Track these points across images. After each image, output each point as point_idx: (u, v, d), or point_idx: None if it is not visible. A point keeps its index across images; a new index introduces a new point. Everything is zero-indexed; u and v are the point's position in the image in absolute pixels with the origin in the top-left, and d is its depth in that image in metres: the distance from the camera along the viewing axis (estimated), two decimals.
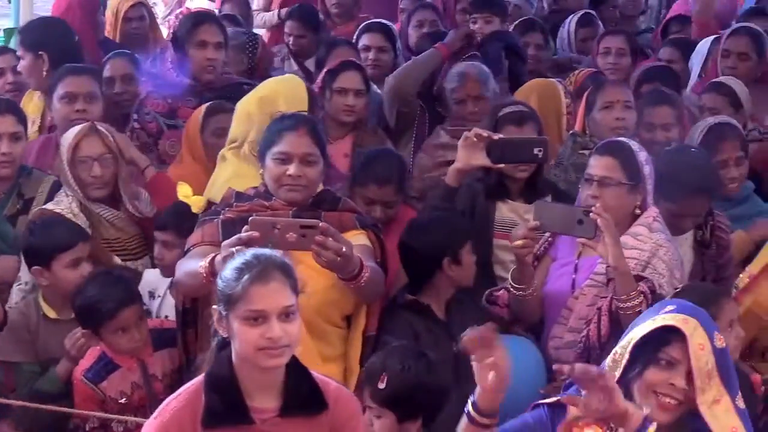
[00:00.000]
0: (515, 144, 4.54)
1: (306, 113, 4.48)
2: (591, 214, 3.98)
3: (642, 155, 4.28)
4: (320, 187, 4.17)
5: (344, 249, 3.75)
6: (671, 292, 4.08)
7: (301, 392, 3.18)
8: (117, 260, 4.76)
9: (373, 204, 4.66)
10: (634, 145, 4.33)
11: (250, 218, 3.76)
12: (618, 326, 4.01)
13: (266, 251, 3.19)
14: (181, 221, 4.53)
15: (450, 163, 4.73)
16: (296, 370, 3.18)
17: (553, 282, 4.30)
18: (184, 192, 4.67)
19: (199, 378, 3.19)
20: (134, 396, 4.27)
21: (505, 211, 4.71)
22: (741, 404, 3.05)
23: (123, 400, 4.25)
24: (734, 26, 6.49)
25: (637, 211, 4.25)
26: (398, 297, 4.36)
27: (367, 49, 6.42)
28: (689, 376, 3.06)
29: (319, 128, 4.21)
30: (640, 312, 3.92)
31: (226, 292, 3.09)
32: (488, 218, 4.71)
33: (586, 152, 4.99)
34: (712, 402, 3.01)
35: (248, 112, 4.67)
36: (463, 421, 3.14)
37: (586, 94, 5.30)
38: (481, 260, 4.45)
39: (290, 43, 7.11)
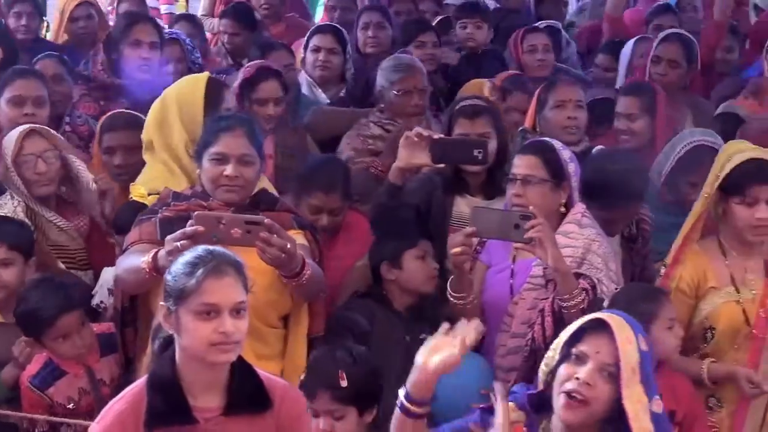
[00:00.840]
0: (455, 144, 4.57)
1: (240, 114, 4.49)
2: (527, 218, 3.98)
3: (565, 153, 4.29)
4: (258, 188, 4.17)
5: (289, 246, 3.76)
6: (610, 286, 4.11)
7: (246, 391, 3.17)
8: (61, 266, 4.70)
9: (320, 212, 4.65)
10: (557, 143, 4.35)
11: (195, 213, 3.76)
12: (562, 326, 4.02)
13: (219, 248, 3.19)
14: None
15: (377, 153, 4.77)
16: (241, 369, 3.17)
17: (491, 289, 4.29)
18: (138, 192, 4.62)
19: (142, 379, 3.17)
20: (82, 402, 4.22)
21: (463, 206, 4.70)
22: (657, 408, 3.01)
23: (71, 406, 4.20)
24: (666, 32, 6.53)
25: (563, 209, 4.26)
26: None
27: (317, 50, 6.36)
28: (599, 374, 3.03)
29: (256, 128, 4.20)
30: (583, 309, 3.99)
31: (177, 286, 3.09)
32: (445, 213, 4.70)
33: None
34: (636, 400, 2.99)
35: (153, 116, 4.61)
36: (396, 415, 3.14)
37: (537, 92, 5.30)
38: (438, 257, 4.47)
39: (225, 41, 7.06)
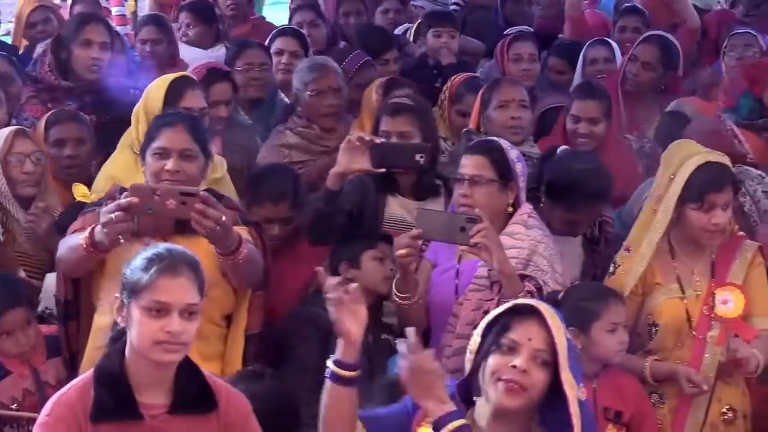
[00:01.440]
0: (396, 149, 4.53)
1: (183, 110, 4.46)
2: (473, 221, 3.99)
3: (513, 153, 4.30)
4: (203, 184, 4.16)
5: (224, 218, 3.78)
6: (555, 287, 4.12)
7: (191, 390, 3.17)
8: (22, 273, 4.70)
9: (271, 222, 4.64)
10: (505, 143, 4.36)
11: (131, 184, 3.78)
12: None
13: (179, 247, 3.20)
14: None
15: (295, 164, 4.81)
16: (188, 369, 3.17)
17: (436, 289, 4.29)
18: (81, 192, 4.65)
19: (89, 372, 3.17)
20: (26, 402, 4.19)
21: (395, 207, 4.70)
22: (582, 396, 3.02)
23: (14, 407, 4.17)
24: (648, 33, 6.57)
25: (510, 209, 4.27)
26: None
27: (280, 53, 6.31)
28: (533, 361, 3.03)
29: (199, 125, 4.21)
30: None
31: (132, 279, 3.10)
32: (377, 214, 4.68)
33: None
34: (570, 386, 2.99)
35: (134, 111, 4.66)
36: (327, 386, 3.10)
37: (481, 92, 5.27)
38: None
39: (182, 33, 6.99)
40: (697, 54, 7.42)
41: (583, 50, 6.58)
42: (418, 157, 4.47)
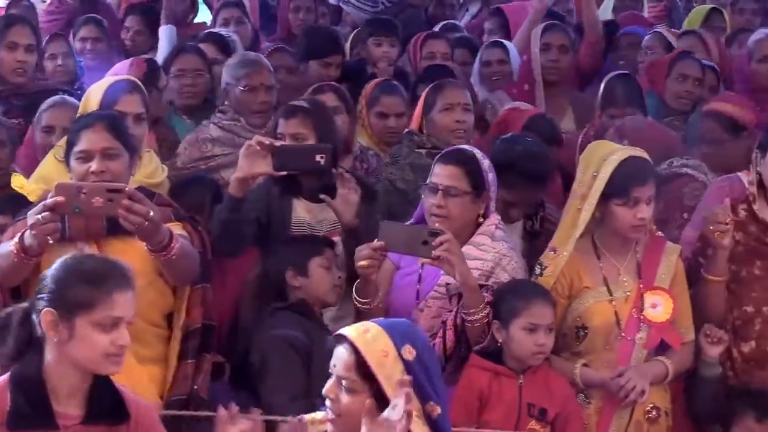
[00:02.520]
0: (297, 151, 4.47)
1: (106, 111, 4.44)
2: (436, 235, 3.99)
3: (485, 163, 4.30)
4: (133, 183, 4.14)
5: (152, 213, 3.77)
6: None
7: (105, 401, 3.15)
8: None
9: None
10: (478, 153, 4.34)
11: (56, 183, 3.75)
12: (464, 340, 4.11)
13: (112, 258, 3.21)
14: (18, 207, 4.34)
15: (216, 157, 4.80)
16: (102, 379, 3.16)
17: (398, 292, 4.30)
18: (18, 183, 4.61)
19: (4, 378, 3.14)
20: None
21: (300, 210, 4.65)
22: (433, 413, 2.97)
23: None
24: (547, 22, 6.60)
25: (480, 219, 4.28)
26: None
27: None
28: (338, 387, 2.99)
29: (120, 123, 4.19)
30: (487, 323, 4.05)
31: (74, 294, 3.05)
32: (284, 219, 4.63)
33: (423, 151, 5.05)
34: (416, 416, 2.91)
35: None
36: None
37: (424, 94, 5.25)
38: None
39: (127, 38, 7.00)
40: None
41: (480, 52, 6.61)
42: (318, 158, 4.39)
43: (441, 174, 4.24)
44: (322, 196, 4.47)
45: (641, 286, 4.26)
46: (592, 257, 4.30)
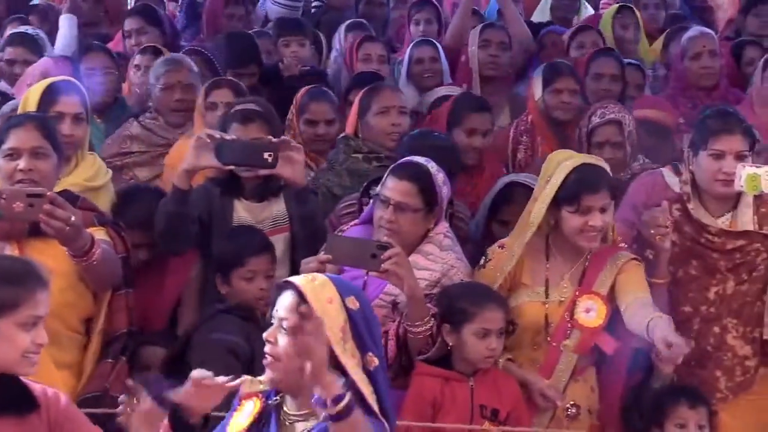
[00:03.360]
0: (245, 146, 4.42)
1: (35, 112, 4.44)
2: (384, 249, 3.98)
3: (440, 177, 4.27)
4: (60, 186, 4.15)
5: (73, 218, 3.77)
6: None
7: (9, 393, 3.13)
8: None
9: (139, 247, 4.58)
10: (432, 167, 4.29)
11: None
12: (405, 350, 4.12)
13: (26, 257, 3.21)
14: None
15: (133, 154, 4.83)
16: (3, 374, 3.14)
17: None
18: None
19: None
20: None
21: (241, 210, 4.62)
22: (369, 364, 3.06)
23: None
24: (485, 23, 6.68)
25: (431, 234, 4.28)
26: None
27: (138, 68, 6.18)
28: (278, 330, 3.07)
29: (50, 124, 4.19)
30: (431, 335, 4.07)
31: (1, 296, 3.03)
32: (226, 219, 4.61)
33: (360, 156, 5.05)
34: (350, 355, 3.03)
35: None
36: None
37: (359, 98, 5.25)
38: None
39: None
40: None
41: (409, 49, 6.62)
42: (266, 155, 4.35)
43: (394, 189, 4.21)
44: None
45: (577, 292, 4.27)
46: (540, 257, 4.32)
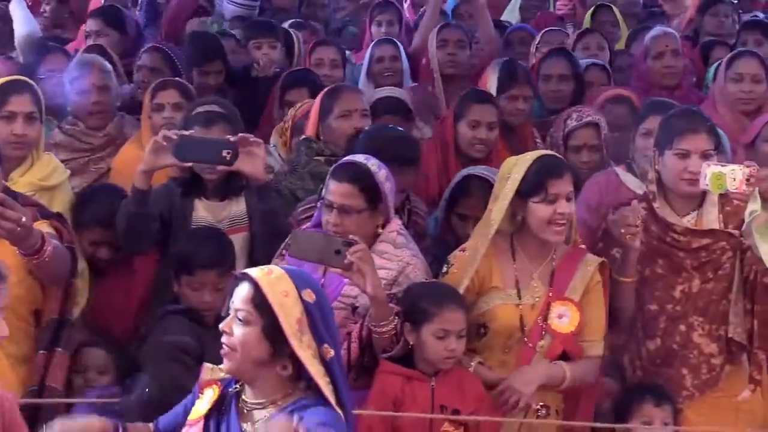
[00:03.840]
0: (203, 144, 4.40)
1: None
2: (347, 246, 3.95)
3: (381, 174, 4.21)
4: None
5: (24, 219, 3.76)
6: None
7: None
8: None
9: (99, 246, 4.57)
10: (373, 164, 4.23)
11: None
12: (369, 351, 4.09)
13: None
14: None
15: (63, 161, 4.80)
16: None
17: None
18: None
19: None
20: None
21: (202, 210, 4.62)
22: (325, 355, 3.08)
23: None
24: (444, 22, 6.68)
25: (380, 230, 4.24)
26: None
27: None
28: (234, 320, 3.09)
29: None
30: (395, 335, 4.04)
31: None
32: (186, 218, 4.60)
33: (322, 159, 5.01)
34: (306, 346, 3.04)
35: None
36: None
37: (320, 100, 5.19)
38: None
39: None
40: None
41: (370, 48, 6.62)
42: (224, 153, 4.33)
43: (335, 192, 4.17)
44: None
45: (551, 294, 4.23)
46: (507, 258, 4.27)
